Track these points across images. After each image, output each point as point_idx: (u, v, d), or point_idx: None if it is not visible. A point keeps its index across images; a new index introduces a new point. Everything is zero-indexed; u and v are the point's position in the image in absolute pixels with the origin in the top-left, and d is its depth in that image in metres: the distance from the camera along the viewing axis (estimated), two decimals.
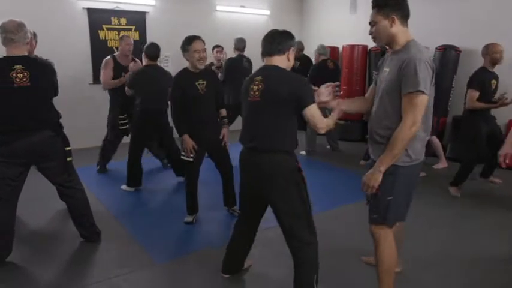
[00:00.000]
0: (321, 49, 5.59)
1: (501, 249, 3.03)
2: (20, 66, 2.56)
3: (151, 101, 4.03)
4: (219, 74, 5.52)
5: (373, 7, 2.08)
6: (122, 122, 4.54)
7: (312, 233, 2.25)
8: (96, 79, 5.86)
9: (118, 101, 4.50)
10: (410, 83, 1.93)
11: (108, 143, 4.75)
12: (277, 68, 2.21)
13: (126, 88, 4.17)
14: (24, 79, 2.57)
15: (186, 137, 3.22)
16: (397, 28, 2.03)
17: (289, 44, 2.24)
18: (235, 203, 3.57)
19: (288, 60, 2.26)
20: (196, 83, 3.21)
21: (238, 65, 5.32)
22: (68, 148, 2.89)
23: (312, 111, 2.14)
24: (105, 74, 4.42)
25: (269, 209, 2.36)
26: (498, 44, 4.04)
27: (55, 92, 2.87)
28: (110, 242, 3.13)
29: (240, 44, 5.39)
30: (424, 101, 1.96)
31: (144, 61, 4.16)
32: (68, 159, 2.89)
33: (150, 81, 4.01)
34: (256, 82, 2.19)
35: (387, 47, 2.16)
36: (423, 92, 1.93)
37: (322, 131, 2.24)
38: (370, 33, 2.13)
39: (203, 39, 3.21)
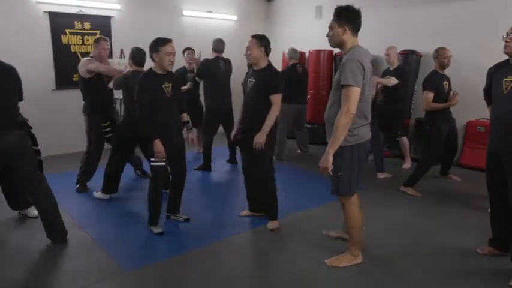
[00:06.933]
0: (291, 53, 5.56)
1: (459, 244, 3.17)
2: None
3: None
4: (189, 78, 5.46)
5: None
6: (105, 130, 4.23)
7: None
8: (59, 85, 5.70)
9: (96, 108, 4.16)
10: (343, 78, 2.33)
11: (90, 156, 4.27)
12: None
13: (111, 84, 4.19)
14: None
15: (158, 141, 3.10)
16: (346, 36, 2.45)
17: None
18: (179, 209, 3.60)
19: None
20: (163, 86, 3.15)
21: (213, 67, 4.99)
22: (36, 148, 2.98)
23: None
24: (95, 63, 4.04)
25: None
26: (446, 49, 4.20)
27: (20, 97, 2.97)
28: (75, 250, 3.04)
29: (217, 45, 5.06)
30: (355, 92, 2.30)
31: (131, 67, 4.04)
32: (39, 157, 2.98)
33: None
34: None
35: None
36: (353, 85, 2.30)
37: None
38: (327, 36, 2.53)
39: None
